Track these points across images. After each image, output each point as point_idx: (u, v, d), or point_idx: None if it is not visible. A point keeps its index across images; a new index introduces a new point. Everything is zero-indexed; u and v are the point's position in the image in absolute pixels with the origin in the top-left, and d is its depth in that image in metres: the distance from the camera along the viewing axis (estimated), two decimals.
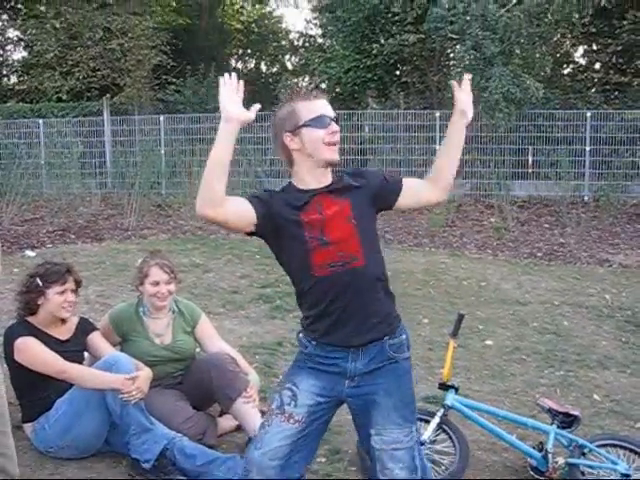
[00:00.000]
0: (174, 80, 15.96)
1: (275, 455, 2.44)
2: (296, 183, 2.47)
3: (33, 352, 3.38)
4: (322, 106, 2.42)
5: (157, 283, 3.70)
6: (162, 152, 13.24)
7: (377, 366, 2.44)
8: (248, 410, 3.55)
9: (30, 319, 3.53)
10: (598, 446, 3.60)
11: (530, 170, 12.38)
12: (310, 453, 2.55)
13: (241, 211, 2.36)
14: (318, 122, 2.39)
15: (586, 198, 12.00)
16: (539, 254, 8.96)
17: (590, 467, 3.52)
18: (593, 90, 14.56)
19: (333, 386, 2.45)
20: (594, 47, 15.62)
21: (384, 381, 2.45)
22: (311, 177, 2.44)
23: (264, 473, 2.44)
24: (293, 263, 2.44)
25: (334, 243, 2.36)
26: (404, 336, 2.53)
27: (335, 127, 2.42)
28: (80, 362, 3.55)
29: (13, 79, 19.49)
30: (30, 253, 8.12)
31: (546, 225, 10.63)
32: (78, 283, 3.61)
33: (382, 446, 2.43)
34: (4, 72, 19.43)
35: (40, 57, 16.42)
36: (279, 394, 2.52)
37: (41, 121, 14.14)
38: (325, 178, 2.46)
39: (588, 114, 12.28)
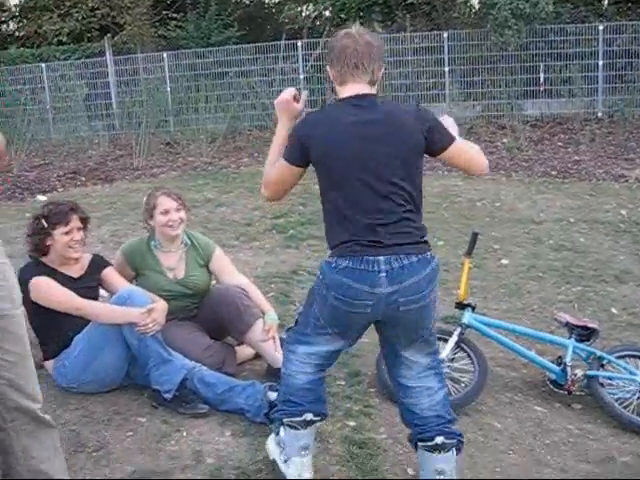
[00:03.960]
0: (175, 15, 15.59)
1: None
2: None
3: (47, 290, 3.38)
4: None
5: (167, 211, 3.66)
6: (168, 89, 13.07)
7: None
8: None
9: (43, 259, 3.53)
10: (616, 357, 3.62)
11: (542, 88, 12.11)
12: None
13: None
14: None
15: (600, 114, 11.77)
16: (553, 172, 8.85)
17: (609, 378, 3.53)
18: (605, 2, 14.11)
19: None
20: None
21: None
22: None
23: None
24: None
25: None
26: None
27: None
28: (95, 298, 3.56)
29: (12, 25, 19.18)
30: (42, 198, 8.12)
31: (559, 143, 10.48)
32: (84, 220, 3.58)
33: None
34: (3, 18, 19.09)
35: (37, 0, 16.10)
36: None
37: (44, 65, 13.95)
38: None
39: (600, 27, 11.92)
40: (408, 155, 2.47)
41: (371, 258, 2.41)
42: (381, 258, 2.41)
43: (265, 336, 3.57)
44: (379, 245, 2.42)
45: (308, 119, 2.56)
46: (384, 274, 2.41)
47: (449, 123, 2.66)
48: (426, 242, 2.52)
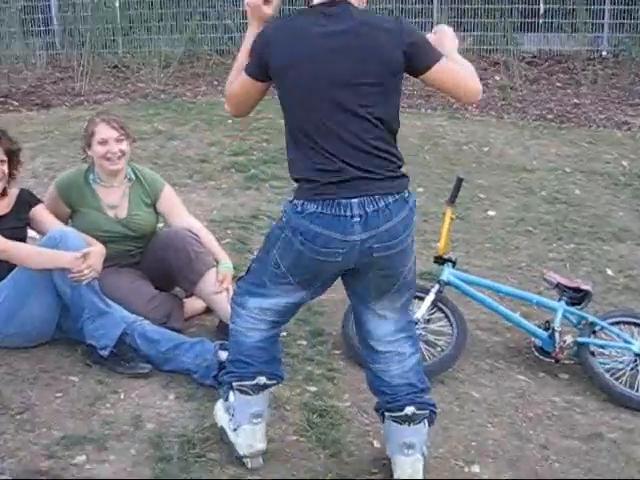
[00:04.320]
0: None
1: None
2: None
3: None
4: None
5: (105, 141, 3.58)
6: (116, 4, 12.71)
7: None
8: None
9: None
10: (610, 324, 3.68)
11: (541, 21, 12.01)
12: None
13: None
14: None
15: (604, 53, 11.71)
16: (549, 116, 8.81)
17: (601, 347, 3.59)
18: None
19: None
20: None
21: None
22: None
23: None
24: None
25: None
26: None
27: None
28: (22, 240, 3.47)
29: None
30: None
31: (558, 84, 10.43)
32: (10, 152, 3.46)
33: None
34: None
35: None
36: None
37: None
38: None
39: None
40: (383, 73, 2.42)
41: (343, 201, 2.39)
42: (354, 201, 2.39)
43: (218, 287, 3.54)
44: (349, 181, 2.40)
45: (268, 28, 2.51)
46: (357, 219, 2.40)
47: (447, 34, 2.62)
48: (404, 175, 2.51)
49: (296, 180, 2.50)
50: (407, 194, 2.48)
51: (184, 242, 3.61)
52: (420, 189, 5.94)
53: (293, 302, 2.62)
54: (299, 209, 2.43)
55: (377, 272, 2.50)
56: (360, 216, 2.39)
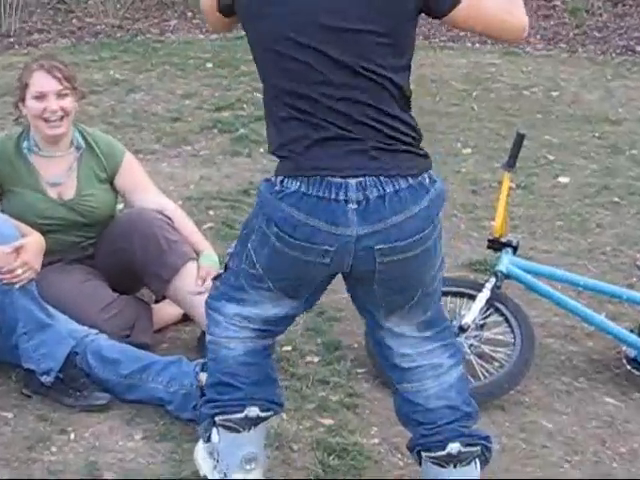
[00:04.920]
0: None
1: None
2: None
3: None
4: None
5: (43, 96, 3.56)
6: None
7: None
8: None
9: None
10: None
11: None
12: None
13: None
14: None
15: None
16: (639, 48, 8.77)
17: None
18: None
19: None
20: None
21: None
22: None
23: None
24: None
25: None
26: None
27: None
28: None
29: None
30: None
31: None
32: None
33: None
34: None
35: None
36: None
37: None
38: None
39: None
40: (393, 16, 2.34)
41: (336, 180, 2.34)
42: (351, 182, 2.34)
43: (199, 287, 3.52)
44: (347, 155, 2.36)
45: None
46: (354, 206, 2.35)
47: None
48: (424, 155, 2.46)
49: (277, 155, 2.47)
50: (428, 179, 2.42)
51: (152, 227, 3.58)
52: (467, 150, 5.91)
53: (284, 313, 2.61)
54: (277, 188, 2.40)
55: (384, 284, 2.47)
56: (358, 202, 2.34)
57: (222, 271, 2.71)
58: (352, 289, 2.60)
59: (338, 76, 2.33)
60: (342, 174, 2.34)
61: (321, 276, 2.51)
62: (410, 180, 2.38)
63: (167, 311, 3.79)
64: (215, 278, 2.80)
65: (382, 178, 2.35)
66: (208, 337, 2.71)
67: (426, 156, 2.45)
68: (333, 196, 2.34)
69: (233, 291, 2.60)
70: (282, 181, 2.39)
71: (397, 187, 2.36)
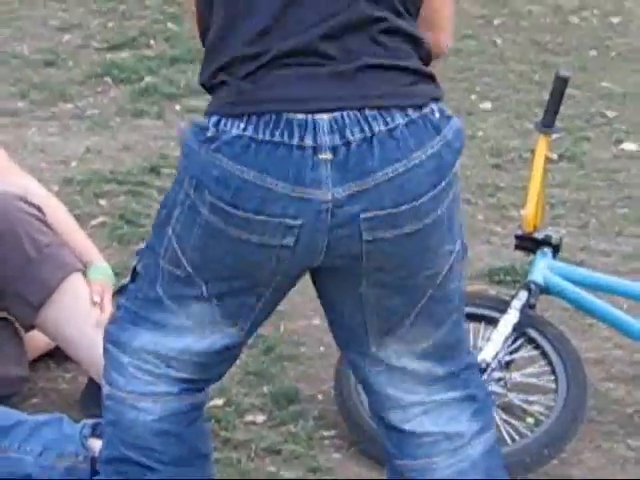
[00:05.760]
0: None
1: None
2: None
3: None
4: None
5: None
6: None
7: None
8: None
9: None
10: None
11: None
12: None
13: None
14: None
15: None
16: None
17: None
18: None
19: None
20: None
21: None
22: None
23: None
24: None
25: None
26: None
27: None
28: None
29: None
30: None
31: None
32: None
33: None
34: None
35: None
36: None
37: None
38: None
39: None
40: None
41: (300, 117, 1.97)
42: (322, 118, 1.97)
43: (92, 313, 3.15)
44: (315, 77, 1.99)
45: None
46: (328, 156, 1.98)
47: None
48: (431, 76, 2.11)
49: (210, 85, 2.08)
50: (438, 113, 2.04)
51: (11, 222, 3.09)
52: (486, 105, 5.46)
53: (223, 344, 2.13)
54: (209, 134, 2.00)
55: (376, 278, 2.06)
56: (334, 150, 1.96)
57: (127, 281, 2.34)
58: (326, 293, 2.19)
59: None
60: (308, 107, 1.99)
61: (281, 270, 2.09)
62: (411, 113, 2.02)
63: (38, 344, 3.35)
64: (117, 292, 2.77)
65: (368, 111, 2.00)
66: (106, 389, 2.28)
67: (434, 79, 2.11)
68: (296, 141, 1.99)
69: (145, 309, 2.18)
70: (217, 123, 2.02)
71: (392, 123, 2.01)
